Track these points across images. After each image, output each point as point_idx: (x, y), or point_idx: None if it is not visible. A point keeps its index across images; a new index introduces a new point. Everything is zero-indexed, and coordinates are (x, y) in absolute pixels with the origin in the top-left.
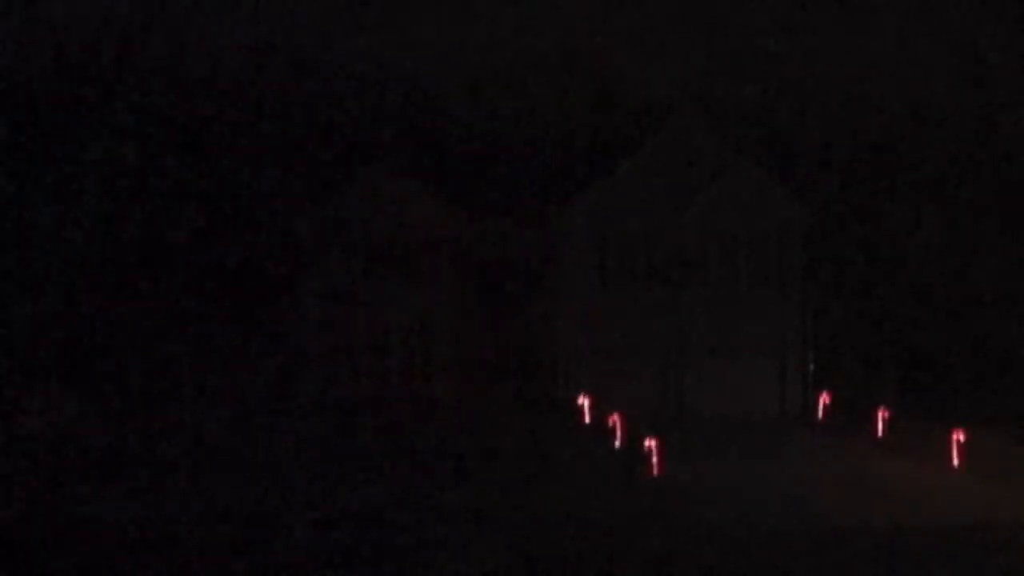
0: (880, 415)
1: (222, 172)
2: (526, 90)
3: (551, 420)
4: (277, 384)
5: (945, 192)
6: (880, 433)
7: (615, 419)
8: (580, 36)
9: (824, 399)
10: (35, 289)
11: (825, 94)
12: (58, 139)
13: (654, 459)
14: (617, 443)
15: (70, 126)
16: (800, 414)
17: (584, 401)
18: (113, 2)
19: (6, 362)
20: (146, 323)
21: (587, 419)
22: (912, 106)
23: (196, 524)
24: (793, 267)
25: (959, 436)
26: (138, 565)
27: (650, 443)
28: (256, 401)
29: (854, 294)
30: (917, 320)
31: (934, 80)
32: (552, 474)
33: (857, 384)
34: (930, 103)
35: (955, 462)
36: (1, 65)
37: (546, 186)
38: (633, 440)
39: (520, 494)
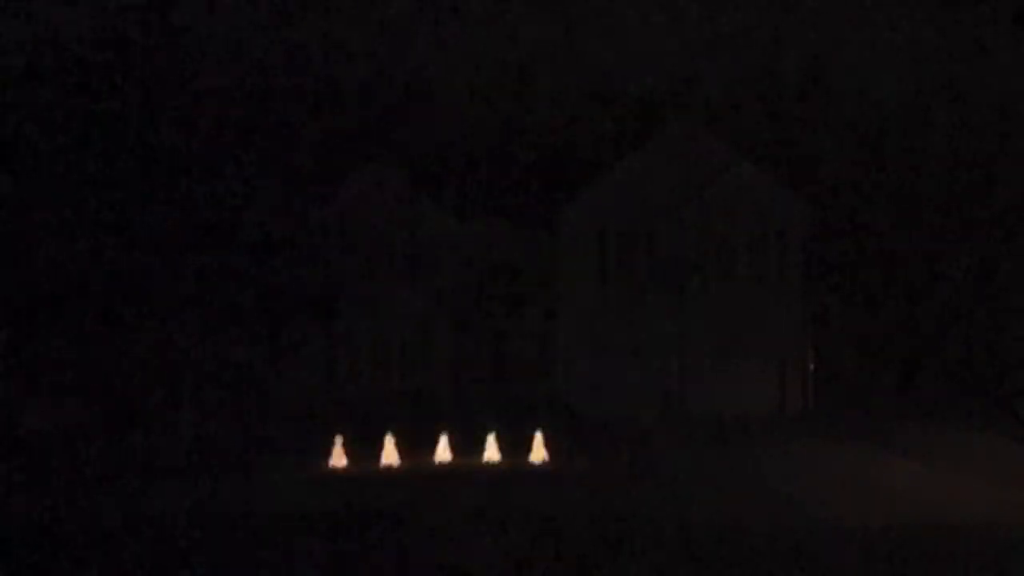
0: (879, 415)
1: (222, 172)
2: (526, 90)
3: (550, 420)
4: (276, 385)
5: (945, 191)
6: (880, 433)
7: (614, 419)
8: (580, 35)
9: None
10: (40, 293)
11: (826, 94)
12: (58, 141)
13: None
14: (616, 442)
15: (68, 129)
16: (800, 414)
17: (583, 400)
18: (109, 3)
19: (10, 364)
20: (146, 324)
21: (586, 418)
22: (912, 105)
23: (194, 524)
24: (793, 267)
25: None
26: (137, 566)
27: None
28: (254, 401)
29: (854, 294)
30: (917, 320)
31: (934, 80)
32: (551, 473)
33: (857, 385)
34: (930, 102)
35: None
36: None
37: (546, 186)
38: (632, 439)
39: (519, 492)
